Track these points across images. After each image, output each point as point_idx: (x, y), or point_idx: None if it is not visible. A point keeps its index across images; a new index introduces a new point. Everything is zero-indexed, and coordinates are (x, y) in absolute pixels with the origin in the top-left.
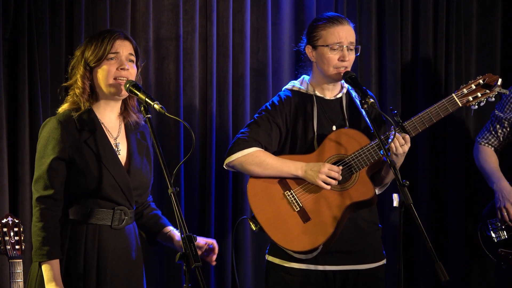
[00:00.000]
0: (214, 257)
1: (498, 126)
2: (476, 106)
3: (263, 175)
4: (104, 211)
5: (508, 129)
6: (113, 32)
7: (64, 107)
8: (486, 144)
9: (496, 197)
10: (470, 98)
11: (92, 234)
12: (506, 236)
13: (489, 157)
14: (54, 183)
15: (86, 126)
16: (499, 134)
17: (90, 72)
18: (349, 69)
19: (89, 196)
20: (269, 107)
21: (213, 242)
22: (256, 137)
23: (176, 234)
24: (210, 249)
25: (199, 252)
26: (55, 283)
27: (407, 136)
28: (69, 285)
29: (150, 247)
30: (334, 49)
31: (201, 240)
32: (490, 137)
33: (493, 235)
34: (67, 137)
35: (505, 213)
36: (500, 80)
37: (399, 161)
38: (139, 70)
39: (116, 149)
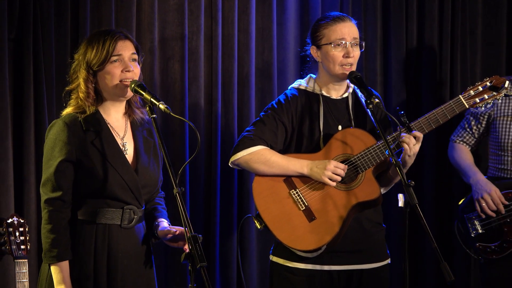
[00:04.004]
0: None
1: (473, 122)
2: (483, 108)
3: (269, 173)
4: (113, 211)
5: (484, 125)
6: (113, 34)
7: (68, 111)
8: (461, 142)
9: (473, 190)
10: (477, 100)
11: (101, 234)
12: (484, 230)
13: (464, 154)
14: (62, 185)
15: (92, 127)
16: (474, 130)
17: (94, 75)
18: (354, 65)
19: (97, 196)
20: (276, 106)
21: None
22: (262, 135)
23: (161, 224)
24: (178, 237)
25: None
26: (65, 285)
27: (419, 134)
28: (79, 285)
29: (155, 244)
30: (338, 45)
31: (173, 228)
32: (465, 135)
33: (470, 229)
34: (73, 139)
35: (484, 204)
36: (507, 82)
37: (410, 161)
38: (140, 66)
39: (123, 148)
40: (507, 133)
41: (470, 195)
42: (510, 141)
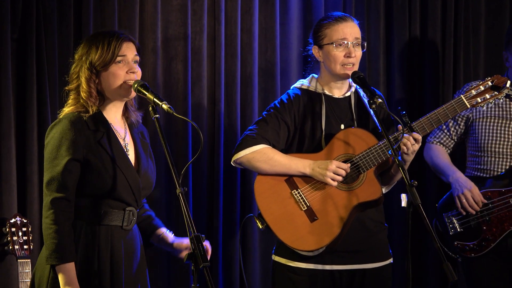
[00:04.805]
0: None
1: (451, 124)
2: (484, 107)
3: (271, 172)
4: (116, 212)
5: (462, 128)
6: (118, 35)
7: (69, 110)
8: (438, 143)
9: (453, 187)
10: (479, 99)
11: (105, 235)
12: (462, 229)
13: (441, 154)
14: (68, 184)
15: (98, 127)
16: (451, 131)
17: (97, 75)
18: (356, 65)
19: (102, 197)
20: (278, 105)
21: (206, 244)
22: (264, 134)
23: (169, 236)
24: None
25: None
26: (73, 286)
27: (418, 136)
28: (84, 286)
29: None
30: (340, 45)
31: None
32: (442, 136)
33: (449, 228)
34: (80, 138)
35: (464, 200)
36: (509, 82)
37: (409, 159)
38: None
39: (125, 149)
40: (486, 134)
41: (448, 194)
42: (488, 141)
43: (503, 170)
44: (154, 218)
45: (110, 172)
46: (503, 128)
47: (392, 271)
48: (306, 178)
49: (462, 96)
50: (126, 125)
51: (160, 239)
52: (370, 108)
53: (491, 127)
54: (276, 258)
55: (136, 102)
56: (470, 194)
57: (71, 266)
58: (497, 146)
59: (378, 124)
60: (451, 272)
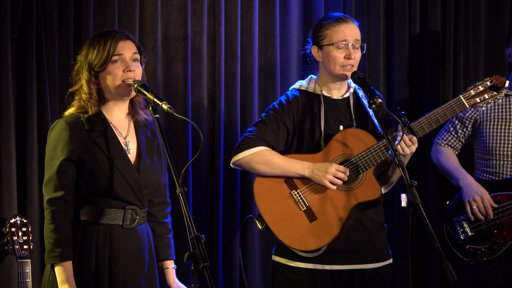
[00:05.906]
0: None
1: (458, 126)
2: (484, 108)
3: (270, 174)
4: (115, 211)
5: (469, 130)
6: (114, 34)
7: (70, 111)
8: (446, 145)
9: (463, 192)
10: (478, 99)
11: (103, 234)
12: (473, 233)
13: (450, 156)
14: (65, 184)
15: (95, 126)
16: (459, 134)
17: (96, 76)
18: (355, 67)
19: (99, 196)
20: (277, 106)
21: None
22: (263, 136)
23: (173, 276)
24: None
25: None
26: (69, 285)
27: (414, 138)
28: (81, 285)
29: None
30: (340, 47)
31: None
32: (449, 138)
33: (460, 232)
34: (75, 138)
35: (475, 206)
36: (507, 82)
37: (405, 161)
38: (143, 66)
39: (126, 147)
40: (494, 137)
41: (457, 198)
42: (496, 144)
43: None
44: (171, 246)
45: (106, 171)
46: (509, 130)
47: (392, 271)
48: (306, 178)
49: (461, 96)
50: (132, 123)
51: (163, 272)
52: (370, 108)
53: (498, 130)
54: (276, 258)
55: (145, 100)
56: (481, 200)
57: (68, 265)
58: (505, 149)
59: (377, 125)
60: (451, 272)
